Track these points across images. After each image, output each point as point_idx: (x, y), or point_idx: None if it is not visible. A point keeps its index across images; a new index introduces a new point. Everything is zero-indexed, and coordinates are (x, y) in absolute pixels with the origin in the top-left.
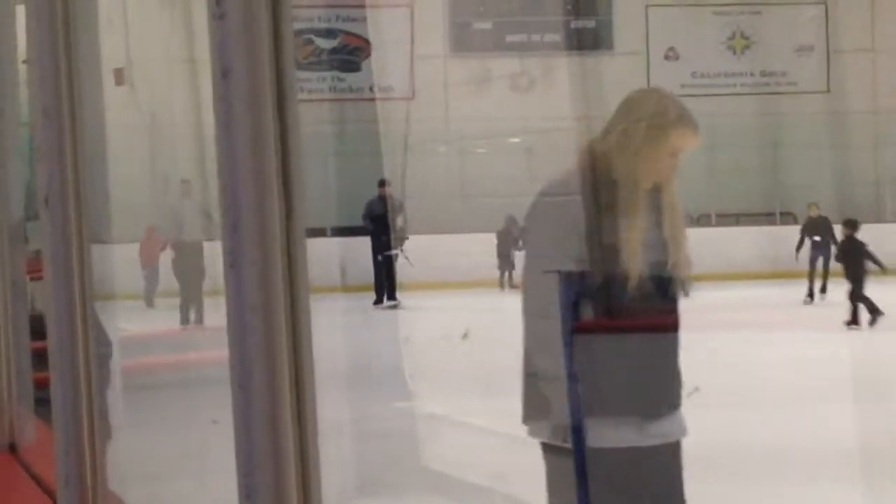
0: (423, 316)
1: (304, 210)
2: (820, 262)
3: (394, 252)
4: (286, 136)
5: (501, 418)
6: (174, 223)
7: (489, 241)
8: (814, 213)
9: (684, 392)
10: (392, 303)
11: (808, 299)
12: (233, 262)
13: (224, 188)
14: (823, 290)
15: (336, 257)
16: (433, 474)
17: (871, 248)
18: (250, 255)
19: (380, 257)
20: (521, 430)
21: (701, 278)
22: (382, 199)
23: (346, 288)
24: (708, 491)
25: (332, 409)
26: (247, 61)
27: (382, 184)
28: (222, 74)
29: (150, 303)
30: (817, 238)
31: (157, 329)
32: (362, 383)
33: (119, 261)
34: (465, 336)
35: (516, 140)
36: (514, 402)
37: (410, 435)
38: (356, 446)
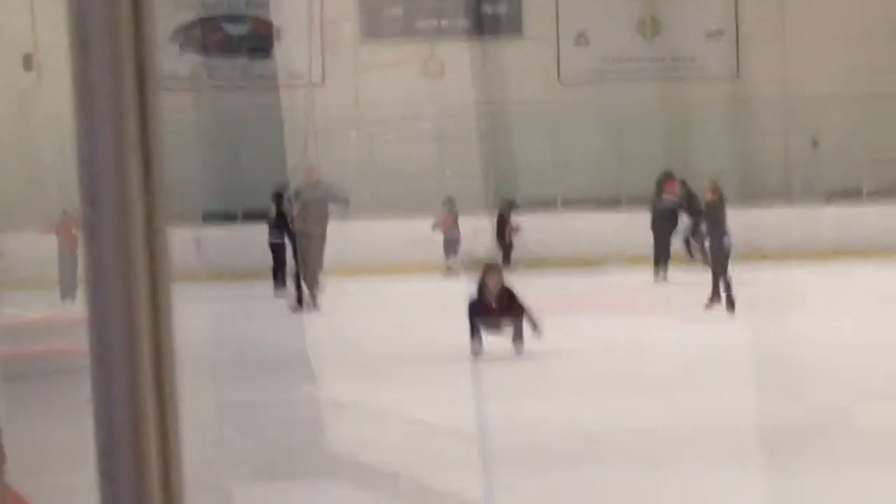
0: (333, 303)
1: (165, 186)
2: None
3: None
4: (147, 112)
5: (407, 404)
6: None
7: (401, 227)
8: (710, 196)
9: None
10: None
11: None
12: (91, 237)
13: (83, 162)
14: (729, 292)
15: (248, 243)
16: (338, 460)
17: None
18: (110, 231)
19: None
20: (428, 415)
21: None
22: (311, 185)
23: (253, 275)
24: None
25: (236, 395)
26: (106, 33)
27: (307, 170)
28: (81, 47)
29: (65, 294)
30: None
31: (44, 315)
32: (267, 370)
33: (29, 249)
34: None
35: (427, 125)
36: (420, 389)
37: (315, 421)
38: (261, 432)
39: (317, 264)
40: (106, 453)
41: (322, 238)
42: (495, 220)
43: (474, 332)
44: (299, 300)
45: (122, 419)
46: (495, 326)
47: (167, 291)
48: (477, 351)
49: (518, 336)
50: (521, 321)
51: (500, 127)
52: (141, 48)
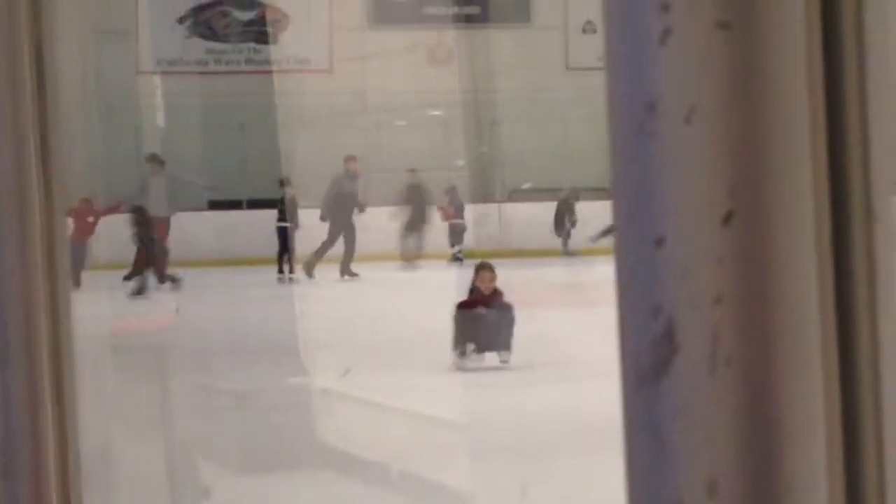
0: (336, 289)
1: (64, 183)
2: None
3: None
4: (45, 107)
5: (398, 395)
6: (143, 197)
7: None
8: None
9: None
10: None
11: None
12: None
13: None
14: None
15: (257, 230)
16: (327, 450)
17: None
18: (7, 224)
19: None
20: (418, 406)
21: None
22: (351, 176)
23: (251, 261)
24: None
25: (226, 383)
26: (3, 36)
27: (351, 159)
28: None
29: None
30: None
31: None
32: (257, 358)
33: None
34: None
35: (437, 113)
36: (411, 379)
37: (305, 410)
38: (250, 421)
39: (349, 253)
40: (4, 451)
41: (351, 228)
42: (556, 206)
43: (457, 340)
44: (140, 288)
45: (20, 417)
46: (478, 331)
47: (66, 289)
48: (461, 362)
49: (503, 346)
50: (507, 327)
51: (507, 114)
52: (38, 39)
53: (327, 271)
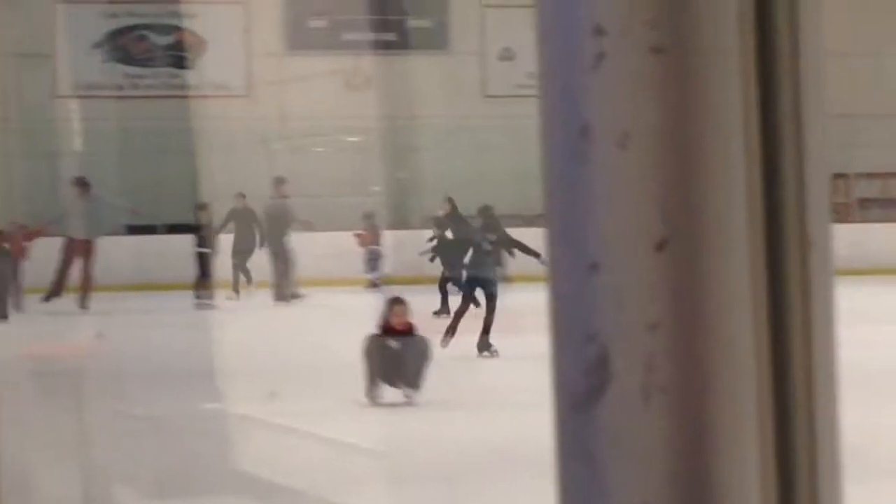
0: (251, 314)
1: None
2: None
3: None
4: None
5: (315, 421)
6: (66, 220)
7: (325, 240)
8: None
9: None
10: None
11: None
12: None
13: None
14: None
15: (176, 253)
16: (243, 476)
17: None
18: None
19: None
20: (336, 432)
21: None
22: (282, 199)
23: (169, 286)
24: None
25: (141, 408)
26: None
27: (280, 182)
28: None
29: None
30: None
31: None
32: (174, 383)
33: None
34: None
35: (355, 139)
36: (329, 404)
37: (221, 436)
38: (164, 446)
39: (285, 276)
40: None
41: (285, 251)
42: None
43: (372, 376)
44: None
45: None
46: (391, 370)
47: None
48: (374, 397)
49: (412, 383)
50: (419, 361)
51: (424, 141)
52: None
53: (247, 296)
